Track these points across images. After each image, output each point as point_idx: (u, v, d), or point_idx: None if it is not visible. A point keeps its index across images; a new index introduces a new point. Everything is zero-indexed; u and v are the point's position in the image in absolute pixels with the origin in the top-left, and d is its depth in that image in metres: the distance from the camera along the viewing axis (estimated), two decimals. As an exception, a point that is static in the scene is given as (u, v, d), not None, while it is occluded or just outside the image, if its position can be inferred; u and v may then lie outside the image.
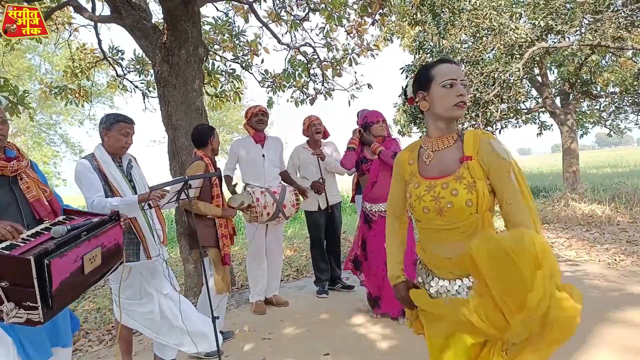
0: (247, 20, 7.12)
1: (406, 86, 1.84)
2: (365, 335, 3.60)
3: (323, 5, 6.59)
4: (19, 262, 1.70)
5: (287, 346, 3.49)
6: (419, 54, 11.32)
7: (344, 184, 6.47)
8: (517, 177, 1.54)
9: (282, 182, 4.43)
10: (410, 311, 1.83)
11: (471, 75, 9.60)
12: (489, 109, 10.02)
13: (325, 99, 7.83)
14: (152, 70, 5.51)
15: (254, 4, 6.49)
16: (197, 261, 4.75)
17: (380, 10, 6.54)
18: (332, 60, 7.62)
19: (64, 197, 2.54)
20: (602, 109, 13.55)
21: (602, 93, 12.51)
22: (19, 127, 18.92)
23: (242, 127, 4.38)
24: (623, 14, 8.12)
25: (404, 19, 9.91)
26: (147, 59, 6.01)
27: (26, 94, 5.16)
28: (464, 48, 10.71)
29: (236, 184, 4.43)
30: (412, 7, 9.09)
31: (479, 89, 9.52)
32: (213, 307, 2.93)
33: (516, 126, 13.79)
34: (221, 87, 7.76)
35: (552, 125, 13.57)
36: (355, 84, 7.79)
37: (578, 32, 8.87)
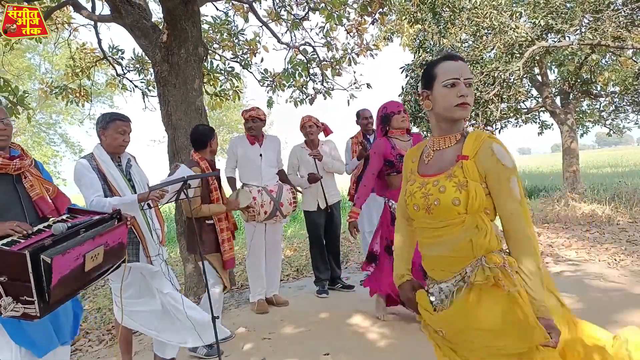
0: (246, 20, 7.11)
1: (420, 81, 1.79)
2: (365, 335, 3.59)
3: (323, 4, 6.59)
4: (15, 257, 1.73)
5: (287, 346, 3.49)
6: (419, 53, 11.30)
7: (343, 183, 6.47)
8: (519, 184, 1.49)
9: (279, 181, 4.42)
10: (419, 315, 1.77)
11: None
12: (489, 108, 10.02)
13: (325, 99, 7.83)
14: (152, 70, 5.51)
15: (253, 3, 6.48)
16: (197, 261, 4.75)
17: (380, 9, 6.53)
18: (332, 60, 7.61)
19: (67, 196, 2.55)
20: (602, 108, 13.54)
21: (602, 92, 12.50)
22: (19, 127, 18.89)
23: (242, 127, 4.38)
24: (623, 13, 8.12)
25: (404, 18, 9.91)
26: (147, 58, 6.00)
27: (26, 94, 5.15)
28: (464, 47, 10.71)
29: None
30: (412, 5, 9.08)
31: (479, 88, 9.51)
32: (213, 306, 2.93)
33: (516, 126, 13.77)
34: (220, 86, 7.75)
35: (552, 124, 13.57)
36: (355, 83, 7.79)
37: (578, 31, 8.87)
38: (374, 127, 5.11)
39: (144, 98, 7.79)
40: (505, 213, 1.48)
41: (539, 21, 8.64)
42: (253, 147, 4.30)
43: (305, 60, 7.51)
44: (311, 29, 9.41)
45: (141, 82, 7.76)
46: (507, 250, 1.52)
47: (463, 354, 1.54)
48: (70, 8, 6.28)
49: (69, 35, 7.32)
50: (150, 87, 7.71)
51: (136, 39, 4.96)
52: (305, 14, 7.04)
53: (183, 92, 4.74)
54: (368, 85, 7.77)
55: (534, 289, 1.42)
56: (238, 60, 7.68)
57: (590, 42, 8.32)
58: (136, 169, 3.02)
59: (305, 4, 6.86)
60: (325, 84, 7.77)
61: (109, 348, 3.90)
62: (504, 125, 12.75)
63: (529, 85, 12.45)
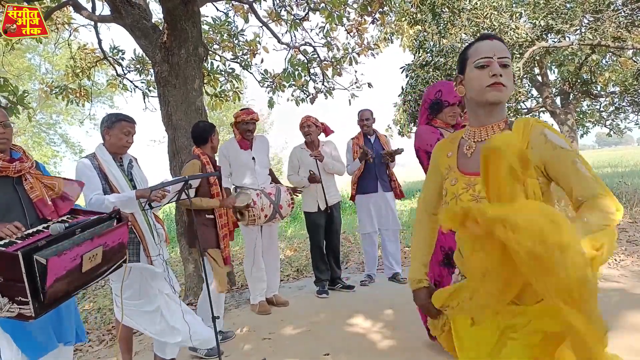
0: (247, 20, 7.12)
1: None
2: (365, 335, 3.59)
3: (323, 4, 6.59)
4: (8, 257, 1.73)
5: (287, 346, 3.49)
6: (419, 53, 11.32)
7: (343, 183, 6.47)
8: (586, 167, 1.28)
9: (272, 181, 4.41)
10: (434, 321, 1.60)
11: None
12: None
13: (326, 98, 7.84)
14: (152, 70, 5.51)
15: (254, 4, 6.49)
16: (198, 261, 4.75)
17: (380, 9, 6.54)
18: (332, 60, 7.62)
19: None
20: (602, 108, 13.56)
21: (602, 93, 12.52)
22: (19, 127, 18.91)
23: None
24: (623, 14, 8.13)
25: (404, 18, 9.91)
26: (147, 58, 6.01)
27: (26, 94, 5.15)
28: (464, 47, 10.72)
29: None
30: (412, 6, 9.09)
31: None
32: (213, 307, 2.94)
33: (516, 126, 13.77)
34: (221, 87, 7.75)
35: (552, 125, 13.54)
36: (356, 83, 7.79)
37: (578, 31, 8.88)
38: (374, 127, 5.13)
39: (144, 98, 7.80)
40: (583, 201, 1.24)
41: (539, 21, 8.65)
42: (245, 152, 4.25)
43: (305, 60, 7.52)
44: (311, 29, 9.44)
45: (142, 83, 7.78)
46: None
47: None
48: (71, 8, 6.29)
49: (69, 36, 7.33)
50: (151, 88, 7.72)
51: (136, 39, 4.97)
52: (306, 14, 7.04)
53: (183, 92, 4.74)
54: (369, 85, 7.77)
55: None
56: (238, 61, 7.69)
57: (590, 43, 8.33)
58: (137, 170, 3.03)
59: (306, 4, 6.87)
60: (326, 83, 7.78)
61: (109, 348, 3.90)
62: (504, 126, 12.75)
63: (529, 85, 12.47)
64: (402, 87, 12.15)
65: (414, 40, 11.35)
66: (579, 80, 11.51)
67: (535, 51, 8.89)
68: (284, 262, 6.43)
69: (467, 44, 9.60)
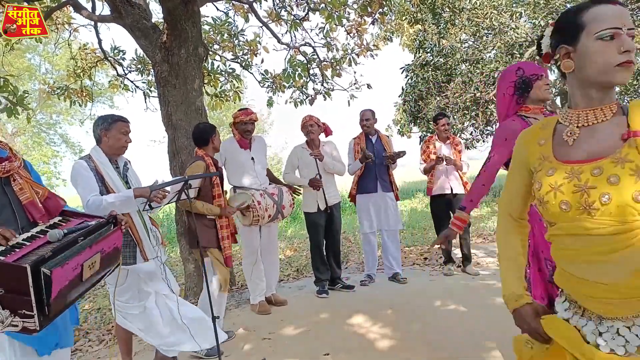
0: (247, 20, 7.11)
1: (541, 37, 1.35)
2: (365, 335, 3.59)
3: (323, 5, 6.59)
4: (14, 269, 1.64)
5: (287, 346, 3.49)
6: (418, 53, 11.33)
7: (344, 184, 6.47)
8: None
9: (272, 182, 4.42)
10: (526, 343, 1.33)
11: (471, 75, 9.61)
12: (489, 109, 10.03)
13: (325, 99, 7.83)
14: (152, 70, 5.51)
15: (254, 4, 6.48)
16: (198, 261, 4.75)
17: (380, 10, 6.53)
18: (332, 60, 7.62)
19: (63, 197, 2.52)
20: (602, 108, 13.54)
21: (602, 92, 12.51)
22: (19, 127, 18.92)
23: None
24: (623, 14, 8.12)
25: (404, 18, 9.92)
26: (147, 58, 6.01)
27: (26, 95, 5.15)
28: (464, 47, 10.71)
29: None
30: (412, 6, 9.09)
31: (479, 89, 9.52)
32: (213, 307, 2.94)
33: (516, 126, 13.76)
34: (221, 87, 7.75)
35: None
36: (355, 84, 7.78)
37: (578, 31, 8.87)
38: (375, 127, 5.14)
39: (145, 99, 7.80)
40: None
41: (539, 21, 8.65)
42: (245, 151, 4.25)
43: (305, 61, 7.52)
44: (311, 30, 9.42)
45: (143, 83, 7.77)
46: None
47: None
48: (71, 8, 6.29)
49: (69, 36, 7.33)
50: (152, 88, 7.72)
51: (136, 40, 4.97)
52: (306, 15, 7.04)
53: (183, 92, 4.74)
54: (368, 86, 7.77)
55: None
56: (238, 61, 7.69)
57: (590, 43, 8.32)
58: (132, 173, 3.03)
59: (306, 4, 6.87)
60: (325, 84, 7.77)
61: (109, 348, 3.90)
62: (504, 126, 12.74)
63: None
64: (402, 88, 12.15)
65: (414, 40, 11.36)
66: (579, 80, 11.51)
67: (535, 51, 8.89)
68: (283, 262, 6.43)
69: (468, 42, 9.44)
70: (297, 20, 7.10)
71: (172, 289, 3.00)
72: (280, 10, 7.12)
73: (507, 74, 2.51)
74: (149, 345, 3.72)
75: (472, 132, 12.08)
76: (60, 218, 2.23)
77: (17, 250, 1.79)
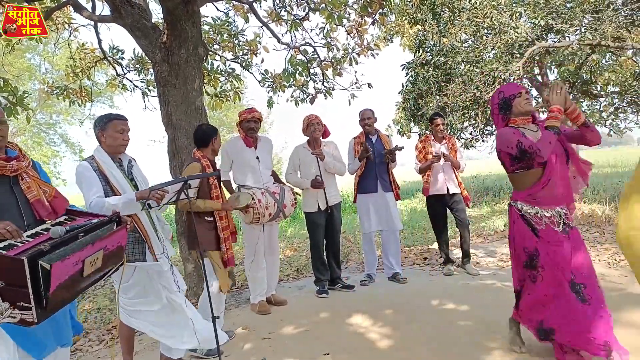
0: (247, 20, 7.12)
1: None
2: (365, 334, 3.59)
3: (323, 4, 6.59)
4: (12, 262, 1.70)
5: (287, 346, 3.49)
6: (419, 52, 11.32)
7: (344, 184, 6.47)
8: None
9: (276, 182, 4.43)
10: None
11: (471, 74, 9.60)
12: (489, 108, 10.02)
13: (325, 98, 7.84)
14: (152, 70, 5.51)
15: (254, 4, 6.49)
16: (197, 261, 4.75)
17: (381, 10, 6.54)
18: (332, 60, 7.62)
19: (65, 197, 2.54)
20: (602, 108, 13.53)
21: (602, 93, 12.50)
22: (19, 127, 18.91)
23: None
24: (623, 13, 8.13)
25: (404, 18, 9.92)
26: (147, 58, 6.01)
27: (25, 95, 5.15)
28: (464, 47, 10.71)
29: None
30: (412, 6, 9.09)
31: (479, 88, 9.52)
32: (213, 307, 2.94)
33: (516, 126, 13.75)
34: (221, 87, 7.75)
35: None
36: (355, 83, 7.79)
37: (578, 31, 8.87)
38: (375, 126, 5.14)
39: (144, 98, 7.79)
40: None
41: (539, 21, 8.64)
42: (250, 150, 4.28)
43: (305, 61, 7.52)
44: (311, 30, 9.43)
45: (141, 82, 7.77)
46: None
47: None
48: (71, 8, 6.29)
49: (69, 36, 7.33)
50: (151, 87, 7.72)
51: (136, 39, 4.97)
52: (306, 15, 7.04)
53: (183, 92, 4.74)
54: (369, 85, 7.77)
55: None
56: (238, 61, 7.69)
57: (590, 43, 8.32)
58: (137, 170, 3.04)
59: (306, 4, 6.87)
60: (325, 83, 7.78)
61: (109, 348, 3.91)
62: (504, 126, 12.74)
63: (528, 85, 12.46)
64: (402, 84, 12.15)
65: (414, 40, 11.36)
66: (578, 80, 11.49)
67: (535, 51, 8.88)
68: (283, 262, 6.43)
69: (468, 42, 9.54)
70: (297, 20, 7.10)
71: (179, 287, 3.01)
72: (281, 10, 7.12)
73: (493, 97, 3.03)
74: (149, 345, 3.73)
75: (471, 131, 12.08)
76: (66, 217, 2.28)
77: (20, 245, 1.84)
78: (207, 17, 7.14)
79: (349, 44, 7.59)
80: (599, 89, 12.43)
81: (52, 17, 6.29)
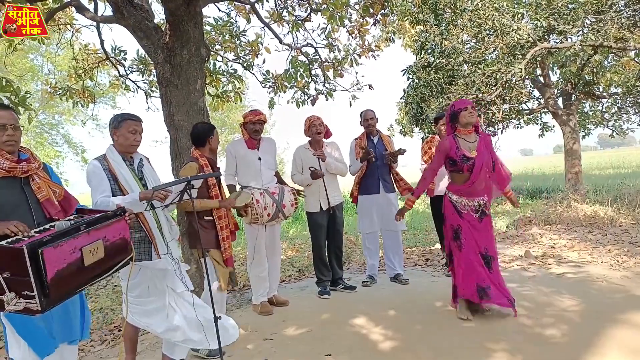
0: (248, 21, 7.13)
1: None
2: (367, 335, 3.59)
3: (325, 5, 6.60)
4: (13, 252, 1.79)
5: (289, 346, 3.49)
6: (420, 54, 11.32)
7: (346, 184, 6.47)
8: None
9: (278, 182, 4.43)
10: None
11: (473, 76, 9.60)
12: (491, 110, 10.02)
13: (327, 100, 7.84)
14: (154, 71, 5.52)
15: (255, 4, 6.49)
16: (199, 261, 4.75)
17: (382, 11, 6.54)
18: (334, 61, 7.62)
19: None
20: (604, 109, 13.53)
21: (604, 94, 12.49)
22: (22, 128, 18.92)
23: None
24: (625, 14, 8.12)
25: (406, 19, 9.92)
26: (149, 59, 6.02)
27: (28, 95, 5.16)
28: (466, 48, 10.70)
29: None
30: (413, 6, 9.09)
31: (481, 90, 9.51)
32: (215, 307, 2.94)
33: (518, 127, 13.78)
34: (222, 88, 7.76)
35: (554, 126, 13.56)
36: (357, 84, 7.79)
37: (580, 32, 8.86)
38: (377, 127, 5.14)
39: (146, 99, 7.81)
40: None
41: (541, 22, 8.64)
42: (252, 151, 4.29)
43: (307, 61, 7.52)
44: (313, 30, 9.44)
45: (144, 83, 7.79)
46: None
47: None
48: (73, 9, 6.30)
49: (72, 36, 7.35)
50: (153, 88, 7.73)
51: (138, 40, 4.98)
52: (307, 15, 7.05)
53: (185, 92, 4.75)
54: (370, 87, 7.77)
55: None
56: (240, 61, 7.70)
57: (592, 44, 8.31)
58: (148, 169, 3.05)
59: (307, 5, 6.87)
60: (327, 85, 7.78)
61: (112, 348, 3.91)
62: (505, 127, 12.75)
63: (531, 86, 12.45)
64: (403, 90, 12.15)
65: (416, 41, 11.36)
66: (581, 81, 11.48)
67: (537, 52, 8.87)
68: (285, 263, 6.43)
69: (470, 43, 9.61)
70: (299, 21, 7.11)
71: (187, 287, 3.02)
72: (282, 11, 7.13)
73: (448, 109, 3.82)
74: (152, 345, 3.73)
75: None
76: (75, 215, 2.38)
77: (26, 239, 1.92)
78: (209, 17, 7.17)
79: (350, 44, 7.60)
80: (601, 90, 12.42)
81: (54, 18, 6.31)
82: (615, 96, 12.44)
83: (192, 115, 4.77)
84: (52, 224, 2.13)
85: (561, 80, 12.52)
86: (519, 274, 5.01)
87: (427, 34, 10.88)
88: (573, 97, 11.82)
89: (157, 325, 2.90)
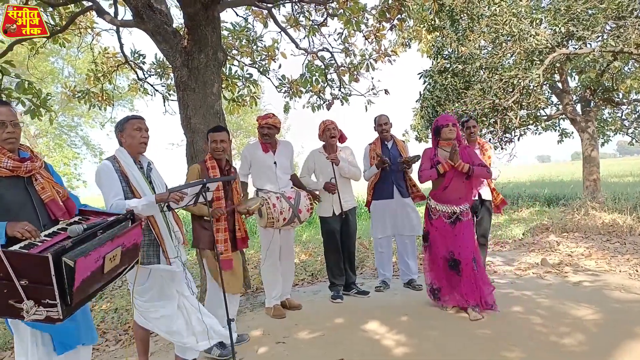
0: (266, 25, 7.18)
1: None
2: (380, 340, 3.58)
3: (341, 10, 6.62)
4: (37, 260, 1.73)
5: (301, 350, 3.49)
6: (437, 59, 11.27)
7: (360, 189, 6.46)
8: None
9: (294, 186, 4.43)
10: None
11: (490, 81, 9.53)
12: (508, 115, 9.93)
13: (342, 104, 7.84)
14: (172, 74, 5.59)
15: (273, 9, 6.54)
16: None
17: (399, 16, 6.54)
18: (350, 66, 7.63)
19: (84, 199, 2.60)
20: (624, 116, 13.31)
21: (624, 100, 12.28)
22: (42, 129, 19.32)
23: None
24: (647, 20, 7.98)
25: (422, 25, 9.89)
26: (167, 62, 6.10)
27: (49, 97, 5.27)
28: (483, 54, 10.63)
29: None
30: (430, 12, 9.06)
31: (498, 95, 9.43)
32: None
33: (536, 133, 13.61)
34: (238, 92, 7.82)
35: (572, 132, 13.37)
36: (372, 89, 7.78)
37: (600, 38, 8.74)
38: (391, 133, 5.12)
39: (164, 102, 7.90)
40: None
41: (560, 28, 8.54)
42: (267, 155, 4.29)
43: (322, 66, 7.54)
44: (329, 35, 9.45)
45: (162, 87, 7.89)
46: None
47: None
48: (94, 13, 6.41)
49: (92, 40, 7.48)
50: (171, 92, 7.82)
51: (157, 44, 5.04)
52: (324, 20, 7.07)
53: (202, 96, 4.80)
54: (386, 91, 7.75)
55: None
56: (256, 66, 7.75)
57: (612, 49, 8.18)
58: (156, 173, 3.07)
59: (324, 10, 6.90)
60: (342, 89, 7.79)
61: (126, 348, 3.95)
62: (523, 133, 12.61)
63: (549, 92, 12.31)
64: (419, 93, 12.10)
65: (432, 47, 11.31)
66: (600, 88, 11.31)
67: (555, 58, 8.76)
68: (298, 267, 6.43)
69: (487, 49, 9.51)
70: (316, 26, 7.13)
71: (192, 291, 3.03)
72: (299, 16, 7.16)
73: (433, 124, 4.20)
74: (165, 346, 3.76)
75: (490, 139, 11.96)
76: (79, 217, 2.34)
77: (39, 244, 1.88)
78: (227, 22, 7.23)
79: (366, 49, 7.60)
80: (620, 96, 12.22)
81: (75, 22, 6.43)
82: (635, 103, 12.23)
83: (209, 119, 4.81)
84: (60, 226, 2.10)
85: (580, 86, 12.36)
86: (535, 282, 4.95)
87: (444, 40, 10.82)
88: (592, 104, 11.65)
89: (166, 328, 2.92)
